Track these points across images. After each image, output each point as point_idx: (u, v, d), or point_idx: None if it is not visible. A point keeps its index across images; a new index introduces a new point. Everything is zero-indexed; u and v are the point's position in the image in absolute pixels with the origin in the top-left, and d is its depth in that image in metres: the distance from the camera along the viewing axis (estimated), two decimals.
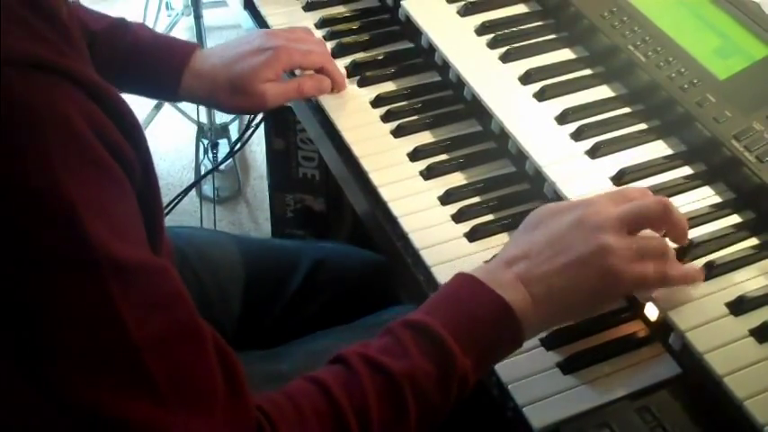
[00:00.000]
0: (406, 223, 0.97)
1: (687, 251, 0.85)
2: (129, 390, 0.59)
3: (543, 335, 0.85)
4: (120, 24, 1.08)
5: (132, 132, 0.62)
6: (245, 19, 1.29)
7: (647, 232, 0.81)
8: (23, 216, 0.55)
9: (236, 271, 1.17)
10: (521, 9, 1.16)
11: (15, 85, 0.55)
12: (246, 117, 1.64)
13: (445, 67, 1.11)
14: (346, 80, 1.14)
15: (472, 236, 0.95)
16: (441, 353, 0.73)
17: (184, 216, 2.23)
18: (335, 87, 1.13)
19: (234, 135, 2.35)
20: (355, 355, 0.73)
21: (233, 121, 2.36)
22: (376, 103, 1.11)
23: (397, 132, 1.07)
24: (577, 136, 0.98)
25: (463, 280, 0.78)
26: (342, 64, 1.16)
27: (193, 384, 0.62)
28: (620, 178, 0.93)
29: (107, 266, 0.57)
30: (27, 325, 0.56)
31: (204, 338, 0.64)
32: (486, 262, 0.88)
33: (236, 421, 0.64)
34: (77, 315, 0.57)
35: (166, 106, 2.40)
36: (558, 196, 0.93)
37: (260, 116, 1.54)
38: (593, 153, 0.96)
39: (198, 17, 2.25)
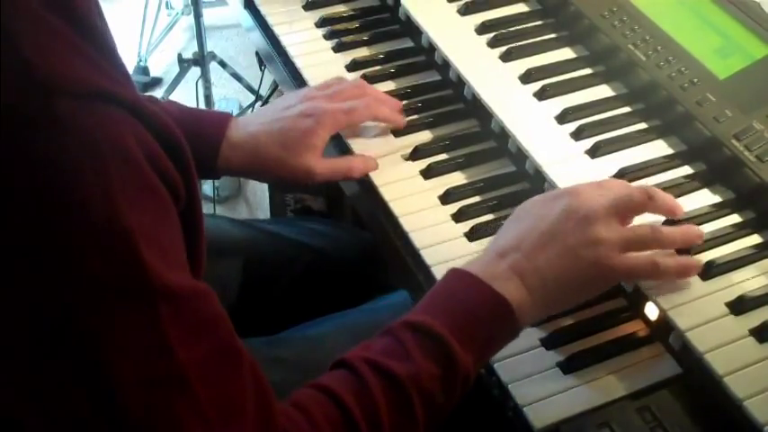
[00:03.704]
0: (407, 223, 0.96)
1: (688, 249, 0.85)
2: (178, 412, 0.59)
3: (543, 335, 0.85)
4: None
5: (180, 159, 0.62)
6: (245, 18, 1.29)
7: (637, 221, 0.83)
8: (82, 244, 0.55)
9: (235, 257, 1.16)
10: (521, 8, 1.16)
11: (76, 115, 0.54)
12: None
13: (445, 66, 1.11)
14: (403, 117, 1.07)
15: (472, 235, 0.95)
16: (443, 354, 0.74)
17: None
18: (396, 126, 1.06)
19: None
20: (360, 360, 0.73)
21: None
22: None
23: (397, 131, 1.07)
24: (577, 135, 0.98)
25: (459, 276, 0.79)
26: (342, 63, 1.17)
27: (230, 402, 0.63)
28: (621, 178, 0.92)
29: (161, 295, 0.58)
30: (82, 352, 0.57)
31: (242, 358, 0.64)
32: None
33: None
34: (130, 343, 0.57)
35: None
36: None
37: None
38: (594, 152, 0.96)
39: (198, 16, 2.24)
